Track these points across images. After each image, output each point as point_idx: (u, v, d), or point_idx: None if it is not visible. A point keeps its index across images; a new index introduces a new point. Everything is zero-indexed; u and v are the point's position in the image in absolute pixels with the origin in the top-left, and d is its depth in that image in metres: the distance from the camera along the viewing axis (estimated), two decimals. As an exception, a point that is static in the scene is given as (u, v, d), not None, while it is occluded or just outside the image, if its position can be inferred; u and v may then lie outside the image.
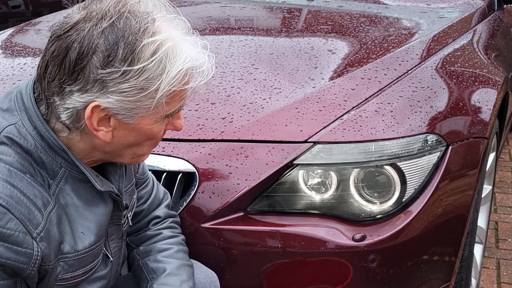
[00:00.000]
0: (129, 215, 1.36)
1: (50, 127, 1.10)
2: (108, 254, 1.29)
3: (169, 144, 1.63)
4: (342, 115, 1.71)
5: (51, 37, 1.08)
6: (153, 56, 1.04)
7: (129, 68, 1.03)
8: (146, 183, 1.50)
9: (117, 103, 1.05)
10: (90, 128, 1.08)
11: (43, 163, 1.10)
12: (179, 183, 1.62)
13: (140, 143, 1.16)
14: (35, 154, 1.09)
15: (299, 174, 1.62)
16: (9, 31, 2.81)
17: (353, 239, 1.59)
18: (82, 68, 1.03)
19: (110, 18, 1.04)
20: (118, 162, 1.23)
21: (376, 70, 1.97)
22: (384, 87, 1.86)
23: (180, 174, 1.62)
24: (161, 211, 1.52)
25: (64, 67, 1.04)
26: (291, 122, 1.68)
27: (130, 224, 1.39)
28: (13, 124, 1.09)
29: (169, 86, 1.06)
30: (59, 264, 1.13)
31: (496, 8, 3.20)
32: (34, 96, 1.11)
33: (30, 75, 2.03)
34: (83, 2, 1.09)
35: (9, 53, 2.39)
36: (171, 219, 1.53)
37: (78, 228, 1.16)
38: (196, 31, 1.14)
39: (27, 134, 1.09)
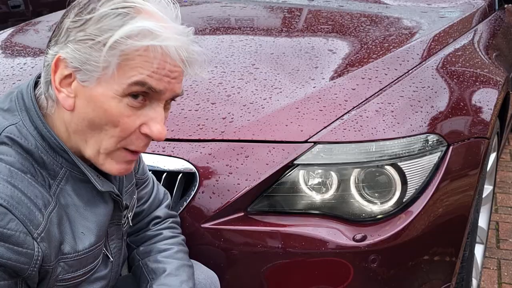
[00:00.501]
0: (129, 215, 1.36)
1: (38, 103, 1.11)
2: (108, 254, 1.28)
3: (169, 144, 1.63)
4: (343, 115, 1.70)
5: None
6: (115, 5, 1.03)
7: (89, 16, 1.03)
8: (146, 183, 1.49)
9: (72, 53, 1.04)
10: (54, 85, 1.07)
11: (43, 163, 1.10)
12: (179, 183, 1.62)
13: (101, 126, 1.08)
14: (36, 154, 1.09)
15: (299, 174, 1.61)
16: (9, 31, 2.81)
17: (354, 239, 1.58)
18: (61, 22, 1.08)
19: None
20: (88, 158, 1.14)
21: (377, 70, 1.97)
22: (385, 87, 1.86)
23: (180, 174, 1.62)
24: (161, 211, 1.51)
25: (56, 29, 1.09)
26: (291, 122, 1.68)
27: (131, 224, 1.38)
28: (14, 124, 1.09)
29: (118, 37, 1.01)
30: (59, 264, 1.12)
31: (497, 7, 3.20)
32: (35, 96, 1.11)
33: (30, 75, 2.03)
34: None
35: (9, 53, 2.39)
36: (171, 219, 1.53)
37: (78, 228, 1.16)
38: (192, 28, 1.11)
39: (27, 134, 1.08)
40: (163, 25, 1.04)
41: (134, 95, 1.05)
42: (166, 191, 1.57)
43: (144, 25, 1.01)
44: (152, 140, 1.11)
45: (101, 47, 1.02)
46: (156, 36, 1.02)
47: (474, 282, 2.29)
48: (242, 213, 1.59)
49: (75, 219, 1.15)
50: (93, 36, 1.02)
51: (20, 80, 1.98)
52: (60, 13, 2.94)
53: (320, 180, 1.63)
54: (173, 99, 1.12)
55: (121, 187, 1.29)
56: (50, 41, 1.10)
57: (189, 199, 1.59)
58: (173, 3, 1.11)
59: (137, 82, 1.04)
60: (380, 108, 1.74)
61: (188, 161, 1.61)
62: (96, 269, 1.23)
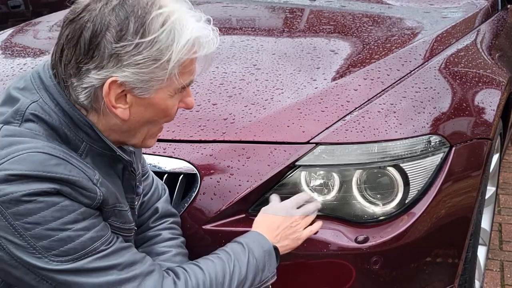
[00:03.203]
0: (136, 203, 1.38)
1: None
2: None
3: (170, 145, 1.62)
4: (345, 116, 1.69)
5: (64, 22, 1.12)
6: (163, 26, 1.08)
7: (141, 40, 1.07)
8: (147, 176, 1.52)
9: (133, 76, 1.09)
10: (109, 106, 1.12)
11: (67, 138, 1.15)
12: (180, 185, 1.61)
13: (156, 120, 1.19)
14: (60, 130, 1.14)
15: (301, 175, 1.61)
16: (9, 31, 2.80)
17: (356, 240, 1.57)
18: (97, 45, 1.07)
19: None
20: (130, 145, 1.26)
21: (379, 71, 1.96)
22: (387, 87, 1.85)
23: (181, 175, 1.61)
24: (160, 204, 1.53)
25: (80, 47, 1.08)
26: (293, 123, 1.67)
27: (136, 213, 1.40)
28: (35, 102, 1.13)
29: (180, 55, 1.10)
30: (113, 211, 1.21)
31: (500, 8, 3.19)
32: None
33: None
34: None
35: (9, 53, 2.39)
36: (171, 219, 1.52)
37: None
38: (199, 10, 1.17)
39: (50, 111, 1.13)
40: (199, 25, 1.14)
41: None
42: (164, 185, 1.58)
43: (191, 37, 1.11)
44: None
45: (165, 65, 1.10)
46: (203, 43, 1.14)
47: (477, 284, 2.28)
48: (244, 215, 1.59)
49: None
50: (154, 57, 1.09)
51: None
52: (60, 13, 2.93)
53: (322, 181, 1.62)
54: None
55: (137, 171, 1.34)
56: (78, 59, 1.09)
57: (190, 200, 1.58)
58: None
59: (190, 82, 1.19)
60: (382, 109, 1.73)
61: (189, 162, 1.60)
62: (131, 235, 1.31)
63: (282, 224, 1.46)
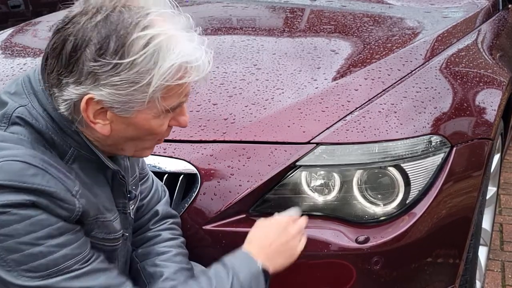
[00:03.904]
0: (132, 208, 1.36)
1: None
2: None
3: (170, 145, 1.62)
4: (345, 116, 1.69)
5: (54, 30, 1.10)
6: (144, 49, 1.03)
7: (119, 61, 1.03)
8: (146, 178, 1.51)
9: (109, 96, 1.05)
10: (87, 121, 1.09)
11: (54, 143, 1.13)
12: (181, 185, 1.61)
13: (141, 137, 1.16)
14: (47, 135, 1.12)
15: (302, 176, 1.60)
16: (9, 31, 2.80)
17: (357, 241, 1.57)
18: (76, 60, 1.04)
19: (104, 12, 1.05)
20: (122, 155, 1.25)
21: (380, 71, 1.95)
22: (388, 87, 1.85)
23: (182, 176, 1.61)
24: (160, 207, 1.52)
25: (61, 59, 1.06)
26: (293, 123, 1.66)
27: (132, 217, 1.39)
28: (23, 106, 1.12)
29: (161, 81, 1.05)
30: (96, 223, 1.18)
31: (501, 7, 3.19)
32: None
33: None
34: None
35: (9, 53, 2.39)
36: (171, 220, 1.52)
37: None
38: (199, 28, 1.13)
39: (38, 116, 1.11)
40: (189, 48, 1.07)
41: None
42: (165, 187, 1.57)
43: (176, 62, 1.05)
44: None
45: (145, 89, 1.05)
46: (190, 69, 1.08)
47: (478, 284, 2.28)
48: (244, 215, 1.58)
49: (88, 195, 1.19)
50: (132, 79, 1.04)
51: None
52: (60, 13, 2.93)
53: (322, 181, 1.62)
54: None
55: (127, 178, 1.31)
56: (59, 71, 1.06)
57: (191, 201, 1.58)
58: (176, 5, 1.12)
59: (180, 104, 1.14)
60: (383, 109, 1.73)
61: (189, 162, 1.59)
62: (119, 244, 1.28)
63: (275, 241, 1.36)
